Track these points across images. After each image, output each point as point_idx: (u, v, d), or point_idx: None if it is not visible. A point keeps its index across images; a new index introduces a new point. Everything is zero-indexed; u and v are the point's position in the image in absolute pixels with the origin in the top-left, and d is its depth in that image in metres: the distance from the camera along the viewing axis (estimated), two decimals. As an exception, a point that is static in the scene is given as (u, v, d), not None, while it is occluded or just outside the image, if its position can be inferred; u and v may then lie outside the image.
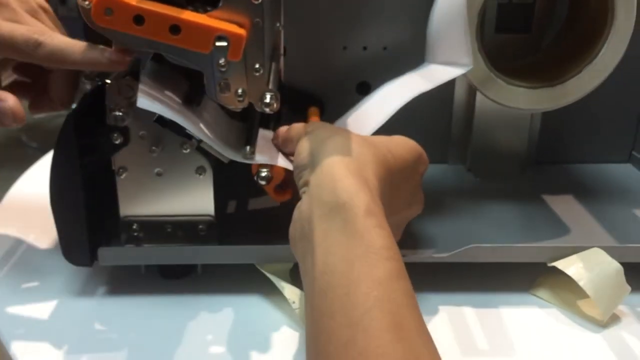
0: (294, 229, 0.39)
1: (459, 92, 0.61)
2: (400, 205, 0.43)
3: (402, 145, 0.43)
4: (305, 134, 0.44)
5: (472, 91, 0.60)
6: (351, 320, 0.30)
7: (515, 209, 0.54)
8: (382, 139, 0.43)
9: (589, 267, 0.45)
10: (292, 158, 0.45)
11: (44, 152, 0.72)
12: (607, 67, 0.49)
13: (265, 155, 0.46)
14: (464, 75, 0.50)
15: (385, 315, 0.30)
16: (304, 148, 0.42)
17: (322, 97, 0.61)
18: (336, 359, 0.30)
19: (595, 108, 0.61)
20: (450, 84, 0.61)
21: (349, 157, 0.39)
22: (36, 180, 0.67)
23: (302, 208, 0.38)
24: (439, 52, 0.52)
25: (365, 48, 0.59)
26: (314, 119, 0.54)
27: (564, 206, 0.55)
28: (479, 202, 0.55)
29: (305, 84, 0.60)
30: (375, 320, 0.30)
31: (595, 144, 0.63)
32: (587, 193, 0.57)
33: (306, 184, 0.39)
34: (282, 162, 0.46)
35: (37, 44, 0.41)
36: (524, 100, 0.51)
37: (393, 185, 0.41)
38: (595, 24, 0.51)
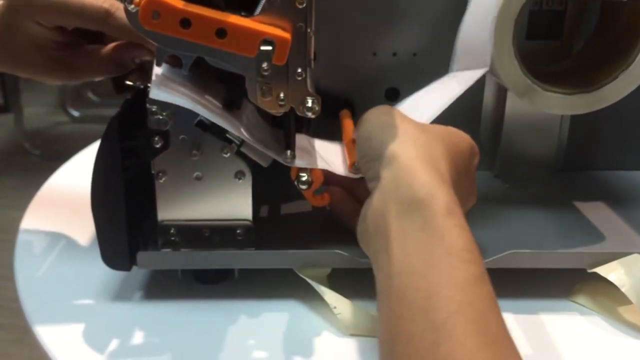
0: (364, 225, 0.38)
1: (488, 98, 0.61)
2: (462, 199, 0.41)
3: (461, 137, 0.43)
4: (364, 119, 0.44)
5: (501, 97, 0.60)
6: (434, 324, 0.30)
7: (547, 215, 0.54)
8: (443, 130, 0.42)
9: (630, 273, 0.44)
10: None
11: (46, 159, 0.73)
12: (644, 72, 0.50)
13: (304, 159, 0.46)
14: (500, 82, 0.50)
15: (469, 320, 0.30)
16: (369, 135, 0.41)
17: (354, 101, 0.61)
18: None
19: (624, 114, 0.61)
20: (479, 90, 0.61)
21: (423, 150, 0.38)
22: (72, 174, 0.67)
23: (374, 203, 0.37)
24: (463, 58, 0.53)
25: (395, 54, 0.59)
26: (348, 122, 0.54)
27: (596, 212, 0.54)
28: (510, 209, 0.55)
29: (334, 90, 0.60)
30: (459, 325, 0.29)
31: (623, 150, 0.63)
32: (618, 199, 0.57)
33: (377, 177, 0.38)
34: (321, 164, 0.46)
35: (108, 14, 0.45)
36: (562, 106, 0.51)
37: (458, 179, 0.40)
38: (628, 31, 0.51)
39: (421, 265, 0.32)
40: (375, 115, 0.43)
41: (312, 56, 0.57)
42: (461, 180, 0.41)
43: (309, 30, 0.45)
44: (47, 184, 0.66)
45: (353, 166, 0.46)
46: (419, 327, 0.30)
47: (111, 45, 0.51)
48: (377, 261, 0.36)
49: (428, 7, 0.57)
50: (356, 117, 0.59)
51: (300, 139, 0.50)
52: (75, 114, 2.80)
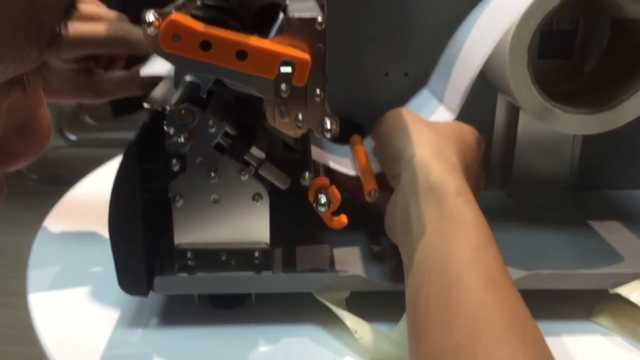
0: (391, 219, 0.44)
1: (500, 118, 0.61)
2: (472, 183, 0.47)
3: (469, 132, 0.49)
4: (382, 122, 0.50)
5: (513, 117, 0.60)
6: (447, 279, 0.35)
7: (563, 235, 0.53)
8: (452, 126, 0.49)
9: (653, 293, 0.44)
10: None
11: (43, 183, 0.72)
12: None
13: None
14: (516, 104, 0.50)
15: (477, 273, 0.34)
16: (388, 137, 0.47)
17: (363, 123, 0.60)
18: (435, 315, 0.34)
19: (635, 132, 0.61)
20: (491, 110, 0.61)
21: (436, 148, 0.44)
22: (80, 199, 0.66)
23: (397, 200, 0.43)
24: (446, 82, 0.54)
25: (406, 74, 0.59)
26: (360, 148, 0.54)
27: (611, 231, 0.54)
28: (525, 229, 0.55)
29: (346, 110, 0.60)
30: (467, 277, 0.34)
31: (636, 168, 0.63)
32: (631, 218, 0.57)
33: (398, 175, 0.44)
34: (334, 165, 0.49)
35: (123, 40, 0.49)
36: (578, 126, 0.51)
37: (468, 168, 0.46)
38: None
39: (436, 237, 0.38)
40: (392, 118, 0.49)
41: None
42: (470, 168, 0.47)
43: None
44: (55, 208, 0.66)
45: (370, 193, 0.46)
46: (435, 286, 0.35)
47: (134, 69, 0.54)
48: (402, 245, 0.41)
49: (439, 27, 0.57)
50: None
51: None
52: (72, 137, 2.79)
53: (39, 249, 0.58)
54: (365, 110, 0.60)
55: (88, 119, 2.90)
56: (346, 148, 0.55)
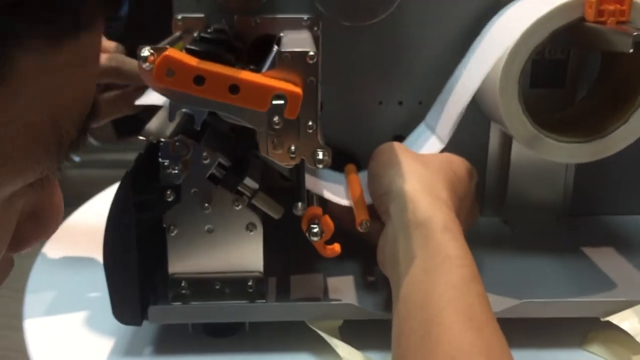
0: (382, 254, 0.44)
1: (493, 146, 0.62)
2: (465, 217, 0.47)
3: (460, 164, 0.49)
4: (373, 157, 0.50)
5: (506, 144, 0.61)
6: (428, 316, 0.35)
7: (557, 263, 0.54)
8: (443, 159, 0.48)
9: (644, 322, 0.44)
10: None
11: None
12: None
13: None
14: (508, 133, 0.51)
15: (457, 311, 0.35)
16: (378, 172, 0.47)
17: (357, 152, 0.61)
18: (415, 352, 0.34)
19: (628, 159, 0.62)
20: (484, 138, 0.61)
21: (425, 183, 0.44)
22: (80, 223, 0.67)
23: (387, 234, 0.43)
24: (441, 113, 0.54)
25: (400, 103, 0.60)
26: (353, 177, 0.54)
27: (605, 259, 0.54)
28: (519, 256, 0.55)
29: (341, 139, 0.61)
30: (448, 315, 0.34)
31: (629, 195, 0.63)
32: (625, 245, 0.57)
33: (387, 211, 0.44)
34: (327, 195, 0.49)
35: (118, 70, 0.50)
36: (568, 155, 0.52)
37: (459, 201, 0.45)
38: (629, 81, 0.52)
39: (421, 273, 0.38)
40: (382, 153, 0.49)
41: (319, 107, 0.59)
42: (462, 201, 0.47)
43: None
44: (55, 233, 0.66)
45: (361, 224, 0.46)
46: (416, 322, 0.35)
47: (127, 89, 0.55)
48: (391, 278, 0.42)
49: (432, 56, 0.58)
50: (360, 169, 0.59)
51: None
52: (76, 159, 2.81)
53: (36, 275, 0.58)
54: (360, 139, 0.61)
55: (92, 140, 2.92)
56: (341, 176, 0.55)
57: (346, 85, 0.59)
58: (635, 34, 0.41)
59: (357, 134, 0.61)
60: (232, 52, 0.49)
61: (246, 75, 0.40)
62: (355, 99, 0.60)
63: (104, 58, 0.49)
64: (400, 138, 0.61)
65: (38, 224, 0.27)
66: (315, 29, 0.56)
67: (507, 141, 0.60)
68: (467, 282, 0.37)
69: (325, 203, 0.50)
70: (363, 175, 0.54)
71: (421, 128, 0.59)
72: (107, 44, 0.54)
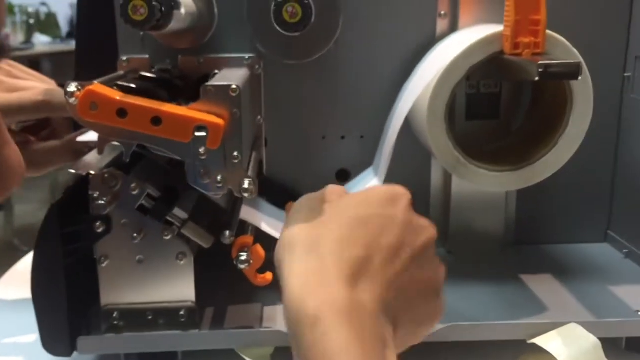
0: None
1: (436, 177, 0.63)
2: (388, 254, 0.34)
3: (373, 203, 0.36)
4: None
5: (448, 176, 0.62)
6: None
7: (494, 289, 0.55)
8: (349, 217, 0.36)
9: (567, 342, 0.45)
10: None
11: None
12: (571, 148, 0.52)
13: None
14: (434, 158, 0.53)
15: None
16: (277, 252, 0.37)
17: (301, 187, 0.62)
18: None
19: (568, 189, 0.63)
20: (427, 170, 0.63)
21: (308, 274, 0.33)
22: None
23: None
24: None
25: (343, 137, 0.62)
26: None
27: (542, 285, 0.55)
28: (458, 284, 0.56)
29: (286, 174, 0.62)
30: None
31: (571, 224, 0.65)
32: (564, 272, 0.58)
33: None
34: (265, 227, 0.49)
35: (46, 103, 0.49)
36: (491, 183, 0.53)
37: (389, 280, 0.34)
38: (553, 111, 0.54)
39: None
40: (287, 219, 0.40)
41: (262, 142, 0.60)
42: (400, 278, 0.34)
43: (259, 118, 0.48)
44: (7, 274, 0.67)
45: None
46: None
47: (67, 138, 0.54)
48: None
49: (372, 91, 0.60)
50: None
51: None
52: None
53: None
54: (304, 174, 0.62)
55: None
56: (282, 213, 0.56)
57: (290, 120, 0.61)
58: (540, 62, 0.43)
59: (301, 169, 0.62)
60: (173, 90, 0.51)
61: (168, 107, 0.42)
62: (299, 134, 0.62)
63: (33, 94, 0.50)
64: (345, 172, 0.63)
65: None
66: (257, 67, 0.58)
67: (448, 174, 0.62)
68: None
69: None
70: None
71: (368, 170, 0.61)
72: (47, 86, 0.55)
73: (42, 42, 3.70)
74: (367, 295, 0.31)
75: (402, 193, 0.38)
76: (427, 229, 0.38)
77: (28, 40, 3.67)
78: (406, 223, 0.36)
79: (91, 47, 0.60)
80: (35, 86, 0.51)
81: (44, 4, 3.84)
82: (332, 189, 0.42)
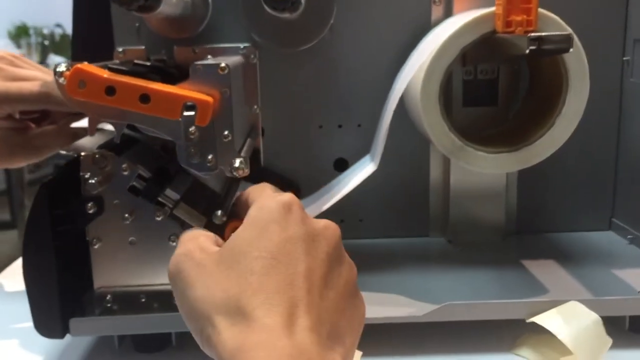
0: None
1: (435, 167, 0.62)
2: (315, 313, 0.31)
3: (295, 255, 0.32)
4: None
5: (446, 165, 0.62)
6: None
7: (494, 274, 0.54)
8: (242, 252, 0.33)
9: (567, 320, 0.44)
10: None
11: None
12: (568, 127, 0.51)
13: None
14: (431, 143, 0.52)
15: None
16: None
17: (299, 177, 0.62)
18: None
19: (572, 176, 0.62)
20: (425, 159, 0.62)
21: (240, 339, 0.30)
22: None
23: None
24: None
25: (340, 126, 0.62)
26: None
27: (543, 269, 0.54)
28: (458, 271, 0.55)
29: (283, 164, 0.62)
30: None
31: (574, 212, 0.63)
32: (567, 258, 0.57)
33: None
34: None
35: (45, 95, 0.48)
36: (489, 165, 0.52)
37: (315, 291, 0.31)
38: (550, 92, 0.53)
39: None
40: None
41: (259, 131, 0.60)
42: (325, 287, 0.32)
43: (255, 107, 0.48)
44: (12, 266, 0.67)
45: None
46: None
47: (62, 121, 0.55)
48: None
49: (369, 79, 0.60)
50: (302, 195, 0.60)
51: None
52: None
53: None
54: (301, 164, 0.62)
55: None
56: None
57: (287, 110, 0.61)
58: (529, 35, 0.43)
59: (298, 159, 0.62)
60: (167, 78, 0.51)
61: (156, 85, 0.42)
62: (296, 124, 0.62)
63: (34, 85, 0.51)
64: (342, 161, 0.62)
65: None
66: (252, 56, 0.58)
67: (447, 163, 0.61)
68: None
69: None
70: (304, 203, 0.55)
71: (365, 158, 0.60)
72: (47, 77, 0.56)
73: (56, 62, 3.75)
74: (307, 333, 0.29)
75: (289, 202, 0.35)
76: (328, 230, 0.34)
77: (43, 60, 3.72)
78: (309, 236, 0.33)
79: (88, 40, 0.61)
80: (36, 76, 0.51)
81: (58, 25, 3.91)
82: (186, 237, 0.38)
